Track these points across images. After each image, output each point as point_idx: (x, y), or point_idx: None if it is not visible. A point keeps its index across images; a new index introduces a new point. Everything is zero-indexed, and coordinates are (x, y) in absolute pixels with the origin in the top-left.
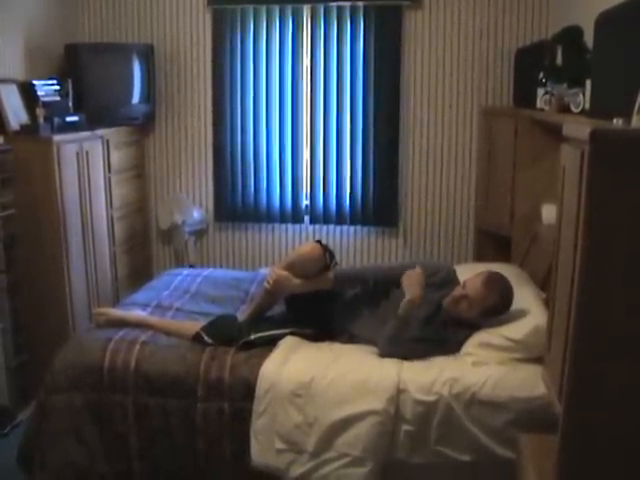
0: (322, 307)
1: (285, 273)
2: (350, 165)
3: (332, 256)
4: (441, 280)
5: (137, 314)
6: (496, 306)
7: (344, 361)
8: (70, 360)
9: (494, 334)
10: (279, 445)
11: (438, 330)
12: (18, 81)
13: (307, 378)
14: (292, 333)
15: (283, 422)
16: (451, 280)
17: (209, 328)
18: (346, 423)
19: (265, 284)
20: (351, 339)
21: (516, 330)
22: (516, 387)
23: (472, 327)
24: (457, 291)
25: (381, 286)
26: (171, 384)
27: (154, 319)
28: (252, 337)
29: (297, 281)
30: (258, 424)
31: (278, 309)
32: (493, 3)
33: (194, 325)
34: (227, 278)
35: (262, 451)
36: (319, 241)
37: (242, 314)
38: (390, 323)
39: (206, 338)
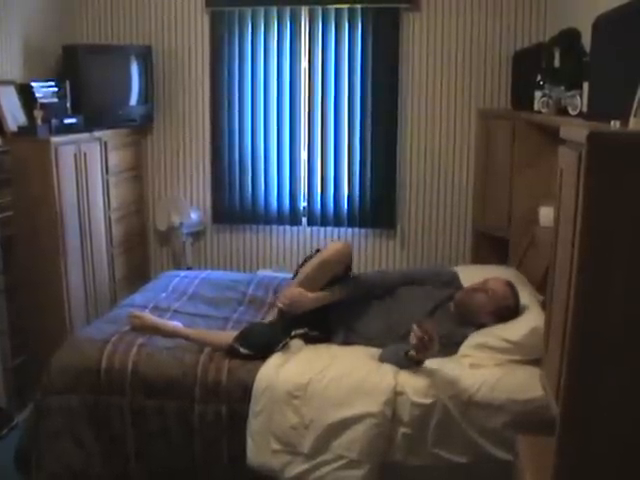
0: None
1: (298, 289)
2: (348, 167)
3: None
4: (446, 280)
5: (172, 324)
6: (508, 309)
7: (341, 363)
8: (67, 362)
9: (491, 336)
10: (275, 446)
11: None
12: (16, 82)
13: (304, 380)
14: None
15: (279, 423)
16: (454, 283)
17: (243, 339)
18: (343, 425)
19: (280, 305)
20: (348, 337)
21: (513, 332)
22: (513, 389)
23: (474, 326)
24: (476, 284)
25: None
26: (168, 386)
27: (189, 330)
28: (293, 333)
29: (311, 296)
30: (254, 424)
31: None
32: (491, 5)
33: (228, 335)
34: (225, 280)
35: (258, 451)
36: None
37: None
38: (395, 352)
39: (242, 350)
